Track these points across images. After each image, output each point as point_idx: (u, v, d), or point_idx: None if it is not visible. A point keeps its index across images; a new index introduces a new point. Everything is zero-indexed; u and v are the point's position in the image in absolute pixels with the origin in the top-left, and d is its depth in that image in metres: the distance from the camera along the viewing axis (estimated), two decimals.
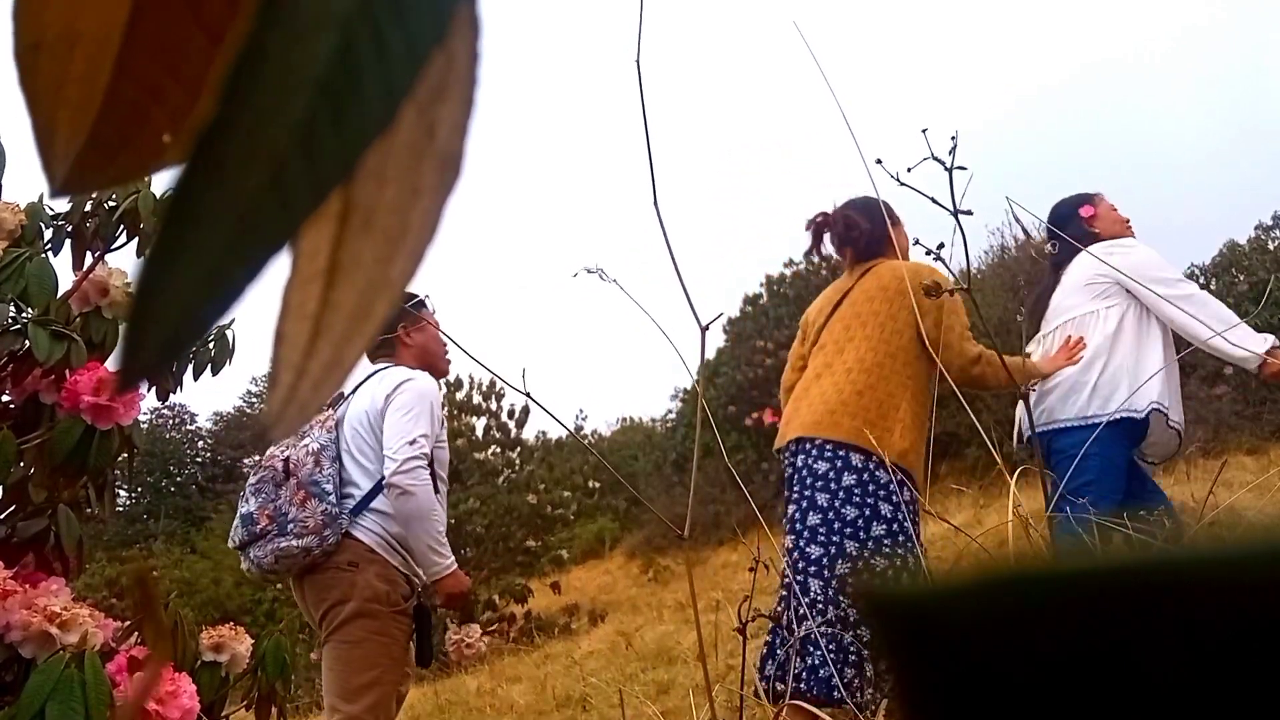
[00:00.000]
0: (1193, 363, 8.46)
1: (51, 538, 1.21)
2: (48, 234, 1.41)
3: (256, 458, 2.26)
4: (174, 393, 1.48)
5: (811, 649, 1.95)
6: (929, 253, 1.33)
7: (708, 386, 9.70)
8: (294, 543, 1.98)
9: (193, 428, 25.61)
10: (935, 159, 1.24)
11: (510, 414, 8.44)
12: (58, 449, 1.15)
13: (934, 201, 1.25)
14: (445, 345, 2.27)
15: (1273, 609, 0.11)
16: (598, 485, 10.06)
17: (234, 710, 1.24)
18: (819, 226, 2.40)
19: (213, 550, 15.85)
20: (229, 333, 1.53)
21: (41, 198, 1.40)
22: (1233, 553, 0.11)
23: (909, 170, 1.29)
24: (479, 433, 8.31)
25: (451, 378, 8.41)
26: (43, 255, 1.29)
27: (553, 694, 3.97)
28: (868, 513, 2.10)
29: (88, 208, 1.42)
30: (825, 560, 2.07)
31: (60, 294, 1.27)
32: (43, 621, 0.99)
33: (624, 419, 15.74)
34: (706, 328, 1.00)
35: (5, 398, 1.25)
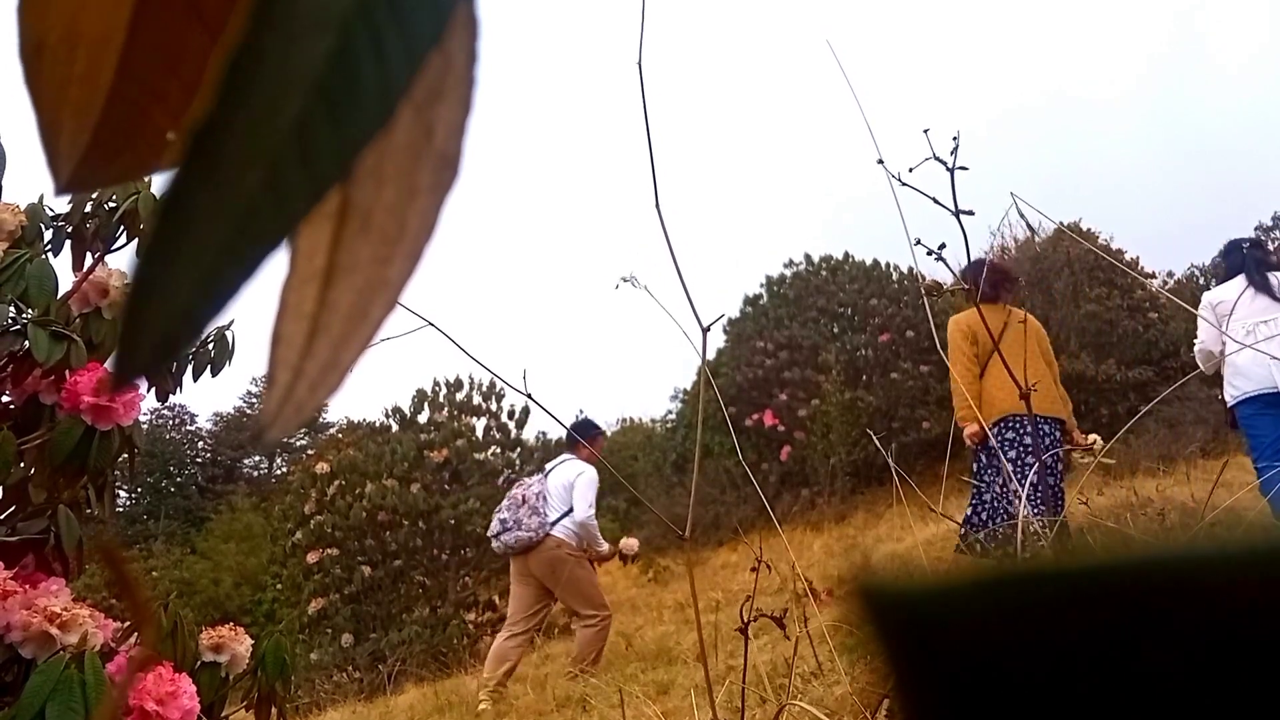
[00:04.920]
0: (1193, 364, 8.44)
1: (51, 538, 1.20)
2: (48, 235, 1.41)
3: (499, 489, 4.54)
4: (174, 393, 1.47)
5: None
6: (930, 252, 1.34)
7: (707, 387, 9.67)
8: (526, 534, 4.26)
9: (193, 428, 25.60)
10: (937, 159, 1.24)
11: (510, 414, 8.43)
12: (58, 449, 1.15)
13: (935, 201, 1.25)
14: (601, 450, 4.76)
15: (1273, 609, 0.11)
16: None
17: (234, 711, 1.24)
18: (1005, 274, 3.89)
19: (212, 551, 15.81)
20: (229, 333, 1.53)
21: (42, 198, 1.40)
22: (1233, 553, 0.11)
23: (910, 170, 1.29)
24: (479, 433, 8.29)
25: (451, 378, 8.42)
26: (43, 256, 1.29)
27: (553, 694, 3.96)
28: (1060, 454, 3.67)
29: (88, 208, 1.42)
30: (1055, 481, 3.49)
31: (60, 295, 1.27)
32: (43, 622, 0.99)
33: (624, 419, 15.73)
34: (708, 329, 1.00)
35: (5, 398, 1.25)
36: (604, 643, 4.31)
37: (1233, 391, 3.61)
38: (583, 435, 4.60)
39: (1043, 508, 3.19)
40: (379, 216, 0.14)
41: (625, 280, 1.25)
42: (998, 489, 3.59)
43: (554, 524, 4.31)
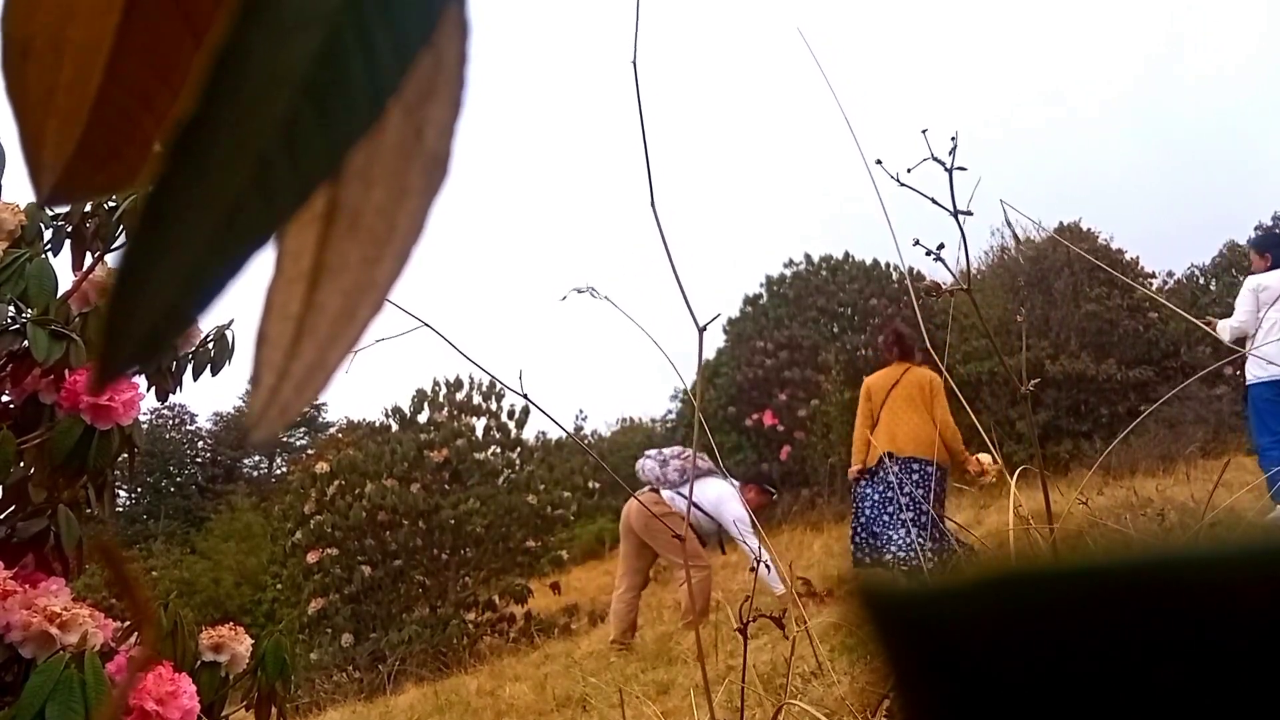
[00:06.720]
0: (1193, 364, 8.45)
1: (51, 538, 1.20)
2: (48, 234, 1.41)
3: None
4: (173, 393, 1.47)
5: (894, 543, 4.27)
6: (929, 253, 1.33)
7: (708, 387, 9.68)
8: (652, 476, 4.75)
9: (192, 428, 25.59)
10: (935, 159, 1.24)
11: (510, 414, 8.43)
12: (57, 449, 1.15)
13: (934, 202, 1.25)
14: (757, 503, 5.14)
15: (1273, 609, 0.11)
16: (597, 486, 10.05)
17: (234, 710, 1.24)
18: (902, 338, 4.65)
19: (212, 550, 15.80)
20: (228, 332, 1.53)
21: None
22: (1233, 553, 0.11)
23: (909, 171, 1.29)
24: (479, 433, 8.29)
25: (451, 377, 8.42)
26: (43, 256, 1.29)
27: (553, 694, 3.96)
28: (935, 488, 4.31)
29: (87, 208, 1.42)
30: (925, 509, 4.11)
31: (60, 294, 1.27)
32: (43, 622, 0.99)
33: (624, 419, 15.75)
34: (704, 329, 1.00)
35: (5, 398, 1.25)
36: (709, 593, 4.53)
37: (1257, 372, 3.97)
38: (754, 479, 5.09)
39: (928, 531, 3.99)
40: (368, 217, 0.14)
41: (580, 291, 1.21)
42: (868, 513, 4.49)
43: (674, 488, 4.70)
